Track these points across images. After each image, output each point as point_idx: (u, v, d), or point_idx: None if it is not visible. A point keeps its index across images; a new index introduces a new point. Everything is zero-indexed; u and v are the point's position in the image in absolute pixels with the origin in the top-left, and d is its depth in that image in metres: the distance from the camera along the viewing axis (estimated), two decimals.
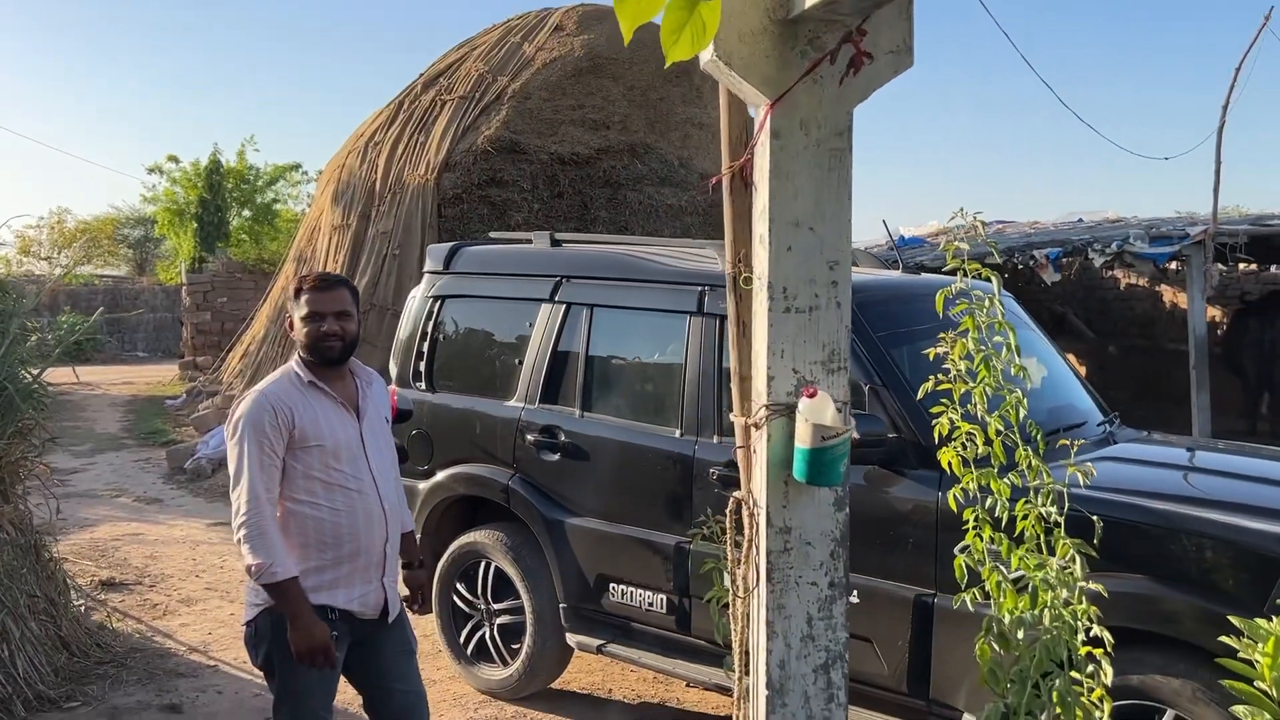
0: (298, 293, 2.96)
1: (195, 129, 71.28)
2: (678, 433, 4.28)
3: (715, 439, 4.17)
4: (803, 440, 2.04)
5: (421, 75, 13.31)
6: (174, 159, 26.68)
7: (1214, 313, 12.39)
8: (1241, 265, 11.38)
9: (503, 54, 12.68)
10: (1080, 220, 13.59)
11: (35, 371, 5.24)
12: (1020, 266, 10.00)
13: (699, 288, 4.33)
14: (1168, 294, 13.83)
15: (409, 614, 3.23)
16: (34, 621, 4.87)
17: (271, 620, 2.89)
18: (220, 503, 9.29)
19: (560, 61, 12.35)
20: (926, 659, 3.61)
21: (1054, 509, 2.57)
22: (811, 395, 2.03)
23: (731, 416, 2.44)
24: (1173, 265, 11.51)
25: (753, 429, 2.17)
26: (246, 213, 27.67)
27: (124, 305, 26.08)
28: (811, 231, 2.08)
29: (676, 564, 4.21)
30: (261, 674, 3.05)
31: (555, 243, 5.12)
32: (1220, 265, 10.14)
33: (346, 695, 3.30)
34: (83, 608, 5.65)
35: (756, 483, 2.18)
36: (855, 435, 2.14)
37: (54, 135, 76.27)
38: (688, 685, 4.79)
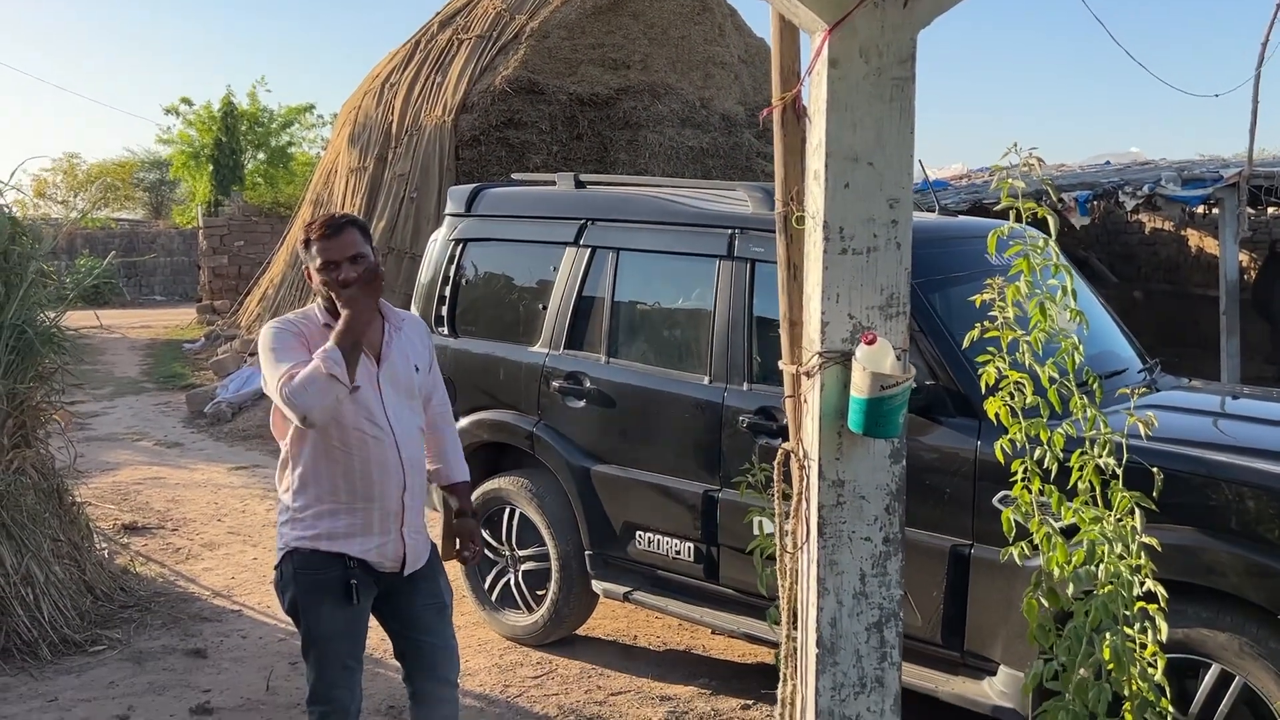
0: (307, 243, 2.84)
1: (206, 69, 70.77)
2: (706, 380, 4.19)
3: (745, 386, 4.08)
4: (859, 389, 1.94)
5: (438, 14, 13.07)
6: (188, 101, 26.52)
7: (1243, 257, 12.16)
8: (1271, 209, 11.14)
9: None
10: (1108, 163, 13.33)
11: (53, 315, 5.17)
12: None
13: (729, 230, 4.21)
14: (1194, 238, 13.59)
15: (447, 564, 3.16)
16: (58, 565, 4.86)
17: (294, 565, 2.84)
18: (240, 446, 9.30)
19: None
20: (962, 610, 3.55)
21: (1111, 460, 2.48)
22: (870, 342, 1.93)
23: (780, 364, 2.33)
24: (1200, 209, 11.28)
25: (804, 377, 2.07)
26: (261, 155, 27.53)
27: (141, 249, 26.03)
28: (871, 167, 1.95)
29: (704, 512, 4.14)
30: (282, 620, 3.00)
31: (579, 184, 5.00)
32: (1250, 209, 9.91)
33: (374, 637, 3.24)
34: (106, 552, 5.64)
35: (808, 433, 2.08)
36: (914, 384, 2.04)
37: (63, 76, 75.93)
38: (714, 633, 4.76)
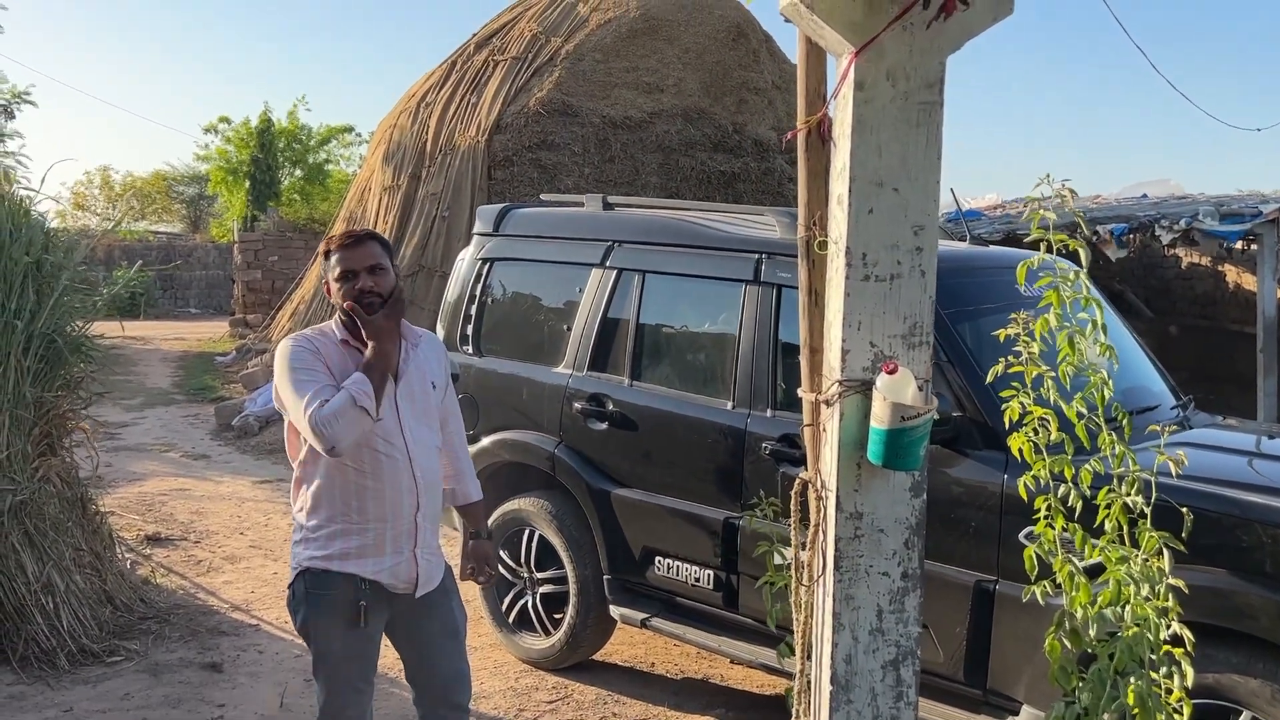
0: (328, 254, 2.85)
1: (247, 87, 71.81)
2: (730, 405, 4.15)
3: (769, 413, 4.03)
4: (880, 420, 1.89)
5: (474, 35, 13.17)
6: (226, 119, 26.89)
7: None
8: None
9: (556, 14, 12.49)
10: (1144, 196, 13.18)
11: (84, 325, 5.20)
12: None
13: (755, 255, 4.18)
14: (1231, 274, 13.39)
15: (463, 585, 3.14)
16: (79, 575, 4.87)
17: (306, 584, 2.82)
18: (266, 460, 9.33)
19: (615, 22, 12.14)
20: (985, 647, 3.47)
21: (1139, 498, 2.41)
22: (891, 371, 1.88)
23: (799, 392, 2.29)
24: (1238, 245, 11.12)
25: (823, 406, 2.02)
26: (298, 172, 27.83)
27: (178, 261, 26.36)
28: (896, 193, 1.91)
29: (725, 540, 4.09)
30: (299, 636, 2.98)
31: (608, 206, 4.99)
32: None
33: (390, 655, 3.21)
34: (128, 562, 5.66)
35: (826, 464, 2.04)
36: (936, 415, 1.99)
37: (105, 90, 77.29)
38: (732, 663, 4.69)
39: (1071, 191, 2.30)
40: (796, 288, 4.00)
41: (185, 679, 4.53)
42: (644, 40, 12.01)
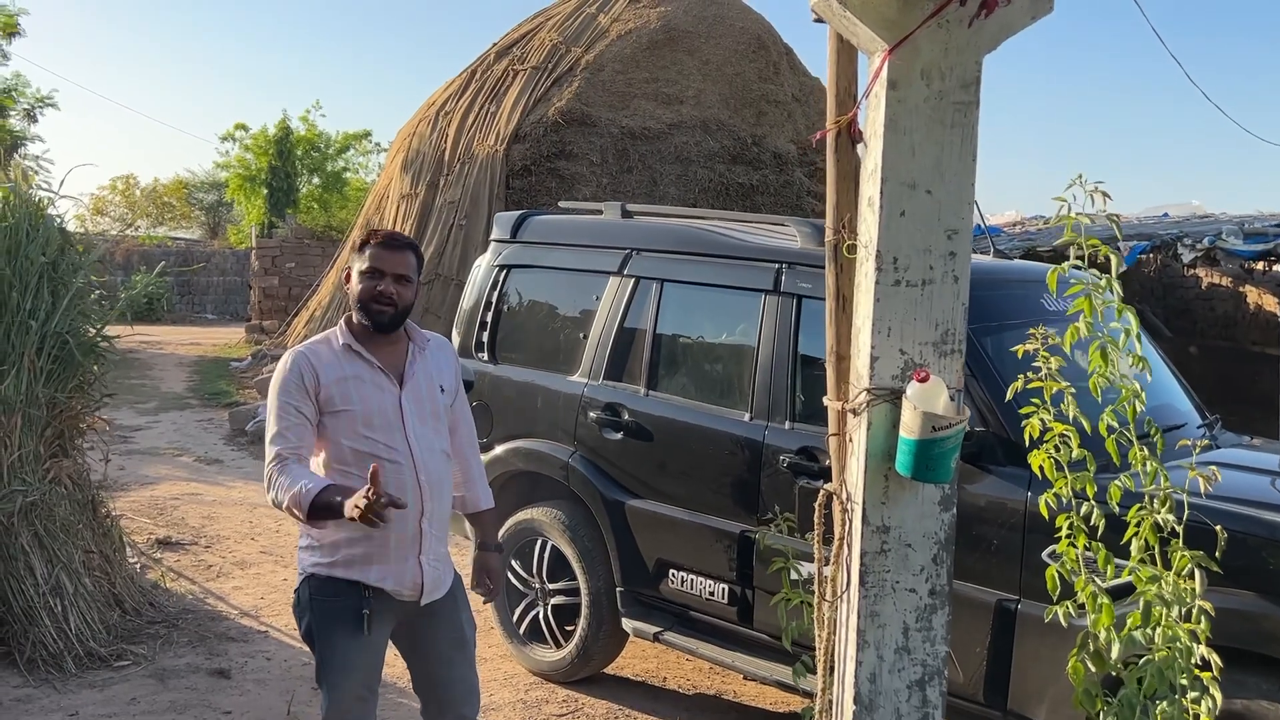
0: (363, 245, 2.83)
1: (266, 94, 72.28)
2: (747, 416, 4.08)
3: (787, 425, 3.96)
4: (910, 430, 1.83)
5: (494, 45, 13.19)
6: (243, 127, 27.06)
7: None
8: None
9: (577, 24, 12.50)
10: (1165, 215, 13.09)
11: (98, 327, 5.18)
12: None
13: (775, 265, 4.12)
14: (1252, 294, 13.26)
15: (469, 596, 3.08)
16: (88, 578, 4.83)
17: (310, 591, 2.78)
18: None
19: (635, 33, 12.14)
20: (1006, 668, 3.39)
21: (1171, 517, 2.33)
22: (923, 379, 1.82)
23: (825, 400, 2.23)
24: (1260, 265, 11.00)
25: (850, 415, 1.96)
26: (316, 180, 27.96)
27: (195, 266, 26.48)
28: (929, 195, 1.85)
29: (740, 553, 4.02)
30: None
31: (626, 214, 4.94)
32: None
33: (396, 668, 3.16)
34: (138, 566, 5.62)
35: (851, 475, 1.97)
36: (967, 426, 1.92)
37: (127, 95, 77.93)
38: (746, 679, 4.61)
39: (1105, 194, 2.23)
40: (817, 298, 3.99)
41: (192, 685, 4.48)
42: (664, 51, 12.00)
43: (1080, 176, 2.16)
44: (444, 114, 12.63)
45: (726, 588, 4.08)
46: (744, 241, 4.36)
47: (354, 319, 2.84)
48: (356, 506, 2.40)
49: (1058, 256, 9.55)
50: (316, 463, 2.77)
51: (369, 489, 2.38)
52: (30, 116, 17.76)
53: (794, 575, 3.77)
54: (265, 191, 25.80)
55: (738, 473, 4.08)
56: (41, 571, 4.61)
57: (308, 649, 4.80)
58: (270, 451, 2.69)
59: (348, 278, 2.85)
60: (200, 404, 12.63)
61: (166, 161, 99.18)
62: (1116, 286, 2.34)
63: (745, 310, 4.21)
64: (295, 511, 2.58)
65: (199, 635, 5.02)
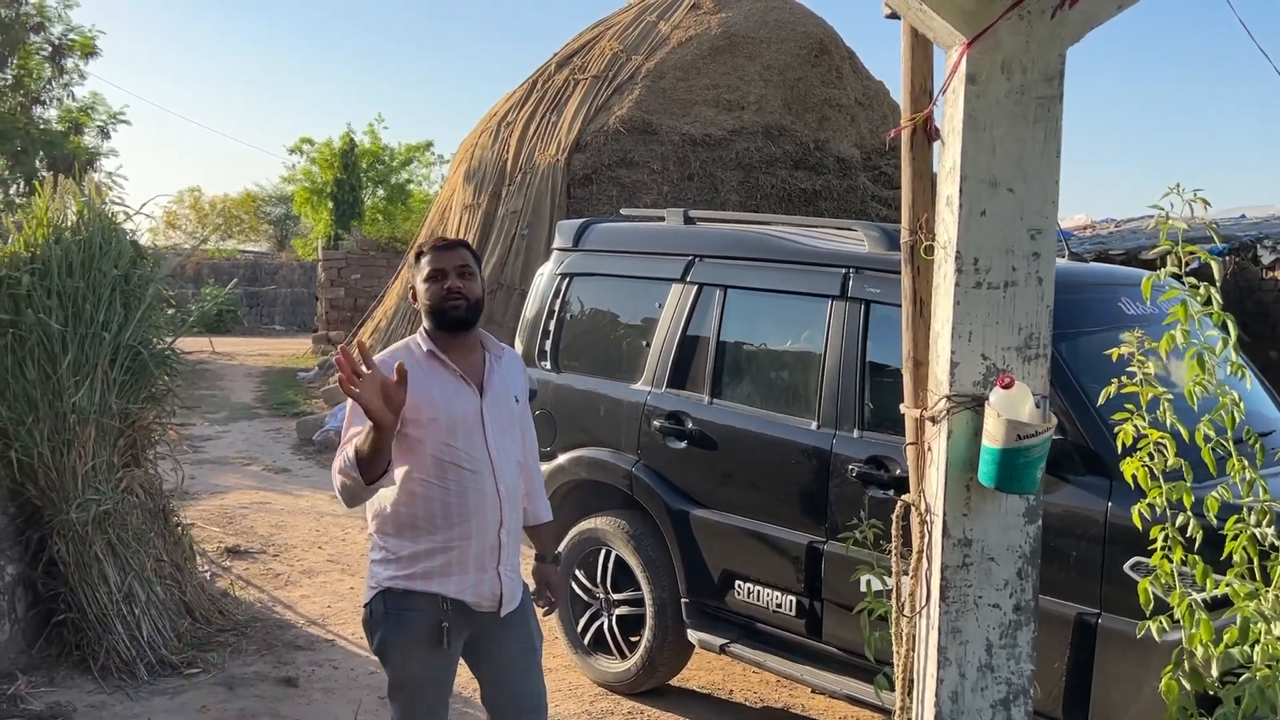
0: (419, 256, 2.83)
1: (330, 108, 73.61)
2: (814, 425, 4.00)
3: (855, 433, 3.88)
4: (993, 439, 1.75)
5: (555, 55, 13.24)
6: (309, 140, 27.57)
7: None
8: None
9: (638, 33, 12.50)
10: (1243, 216, 12.70)
11: (170, 339, 5.26)
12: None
13: (842, 270, 4.04)
14: None
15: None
16: (160, 586, 4.89)
17: (385, 605, 2.74)
18: None
19: (696, 40, 12.10)
20: (1086, 683, 3.27)
21: (1270, 530, 2.22)
22: (1007, 386, 1.73)
23: (901, 407, 2.15)
24: None
25: (928, 423, 1.88)
26: (380, 192, 28.37)
27: (263, 280, 27.04)
28: (1011, 193, 1.77)
29: (808, 565, 3.94)
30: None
31: (689, 220, 4.89)
32: None
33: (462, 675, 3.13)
34: (208, 574, 5.69)
35: (931, 485, 1.89)
36: (1054, 435, 1.83)
37: (197, 111, 79.92)
38: (814, 692, 4.52)
39: (1204, 201, 2.13)
40: (886, 303, 3.91)
41: (260, 693, 4.51)
42: (725, 58, 11.94)
43: (1178, 185, 2.07)
44: (506, 124, 12.70)
45: (794, 599, 4.00)
46: (810, 246, 4.28)
47: (431, 329, 2.82)
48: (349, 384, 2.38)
49: (1130, 260, 9.30)
50: (399, 473, 2.74)
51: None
52: (104, 133, 18.25)
53: (863, 588, 3.69)
54: (331, 204, 26.23)
55: (805, 482, 4.00)
56: (115, 579, 4.68)
57: (374, 658, 4.84)
58: (338, 457, 2.66)
59: (414, 295, 2.84)
60: (269, 414, 12.83)
61: (234, 176, 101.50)
62: (1217, 295, 2.23)
63: (811, 316, 4.13)
64: (353, 475, 2.53)
65: (267, 643, 5.07)
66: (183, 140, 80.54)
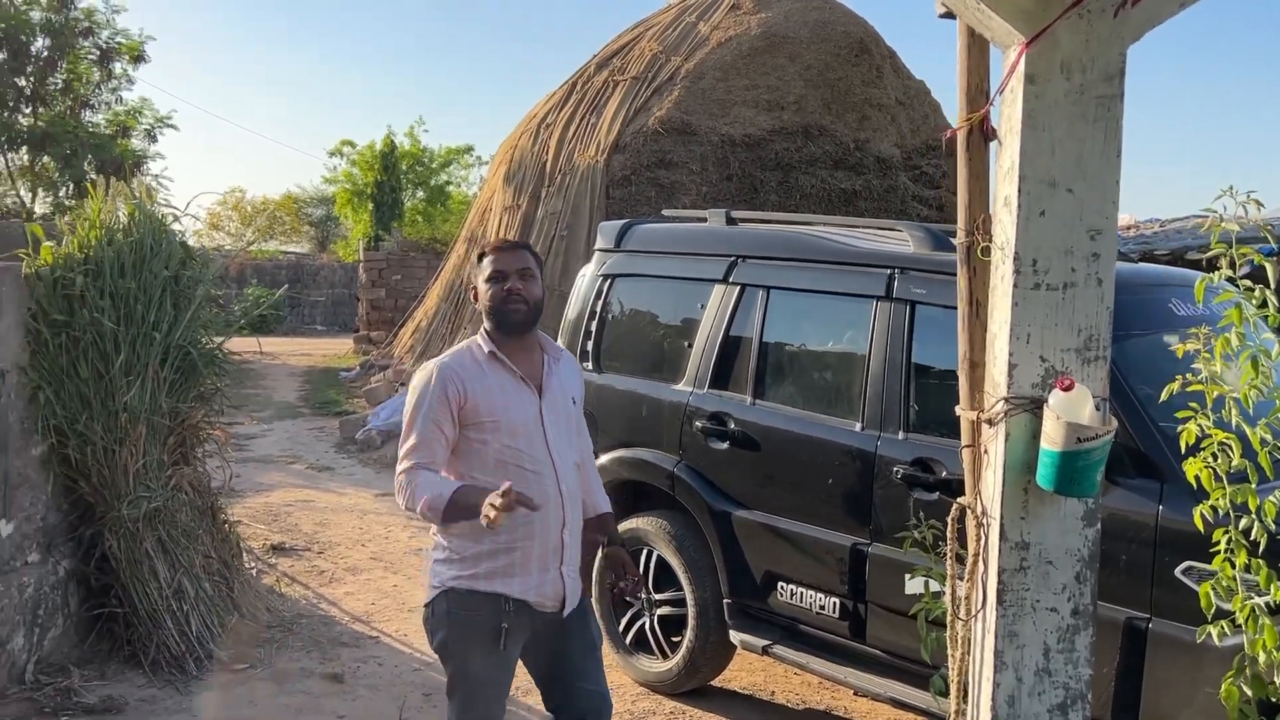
0: (480, 257, 2.86)
1: (371, 109, 74.26)
2: (858, 426, 3.98)
3: (900, 435, 3.85)
4: (1053, 441, 1.73)
5: (595, 56, 13.28)
6: (350, 143, 27.83)
7: None
8: None
9: (677, 33, 12.50)
10: None
11: (219, 339, 5.33)
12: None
13: (887, 270, 4.02)
14: None
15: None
16: (208, 582, 4.96)
17: (448, 604, 2.76)
18: (387, 474, 9.46)
19: (735, 41, 12.08)
20: (1136, 689, 3.23)
21: None
22: (1067, 388, 1.72)
23: (958, 409, 2.14)
24: None
25: (985, 425, 1.87)
26: (420, 194, 28.59)
27: (305, 280, 27.33)
28: (1070, 194, 1.76)
29: (852, 567, 3.92)
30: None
31: (731, 221, 4.89)
32: None
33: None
34: (254, 571, 5.76)
35: (988, 488, 1.88)
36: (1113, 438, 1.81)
37: (236, 114, 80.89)
38: (856, 694, 4.49)
39: (1258, 202, 2.10)
40: (931, 304, 3.88)
41: (307, 689, 4.56)
42: (764, 58, 11.91)
43: (1231, 188, 2.04)
44: (545, 126, 12.75)
45: (838, 601, 3.98)
46: (854, 247, 4.26)
47: (491, 330, 2.84)
48: (491, 506, 2.40)
49: (1175, 261, 9.14)
50: (460, 473, 2.77)
51: (503, 491, 2.38)
52: (151, 136, 18.53)
53: (916, 590, 3.67)
54: (371, 205, 26.46)
55: (849, 484, 3.98)
56: (165, 575, 4.75)
57: (419, 654, 4.89)
58: (405, 460, 2.71)
59: (474, 295, 2.86)
60: (311, 413, 12.97)
61: (276, 178, 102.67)
62: (1273, 298, 2.20)
63: (855, 317, 4.11)
64: (429, 514, 2.61)
65: (313, 640, 5.12)
66: (225, 143, 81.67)
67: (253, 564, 5.86)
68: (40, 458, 4.57)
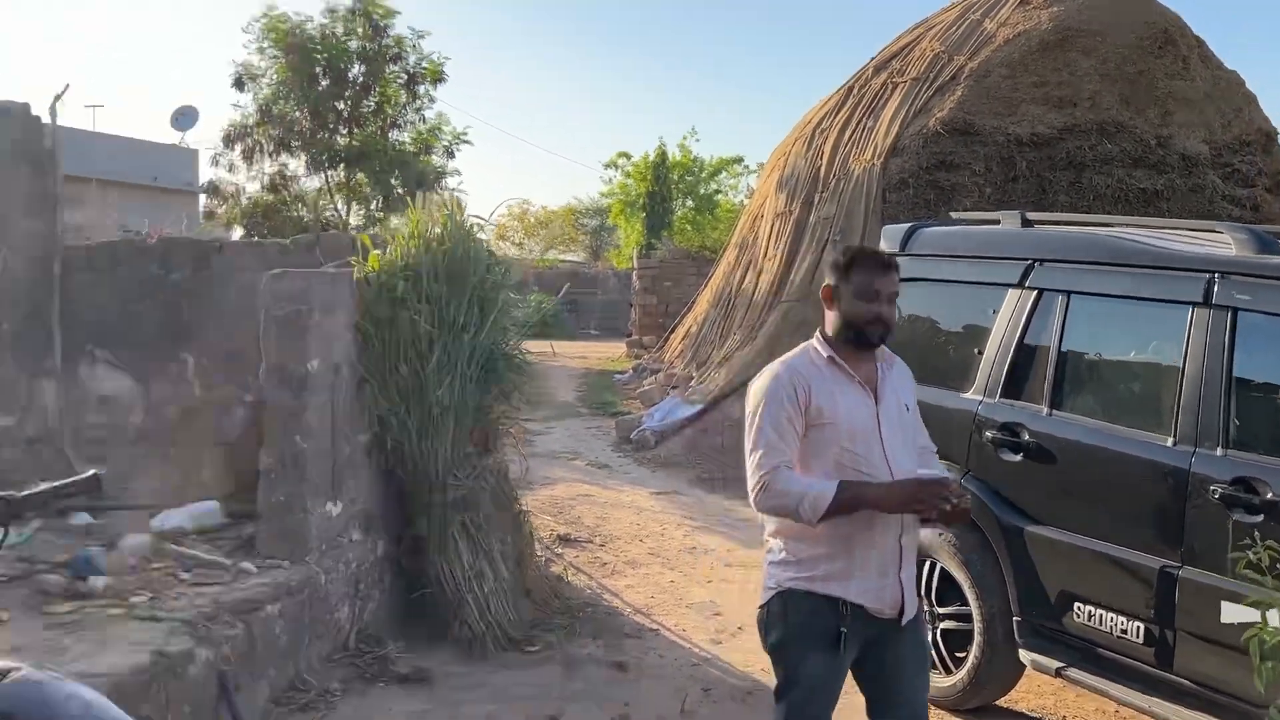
0: (850, 265, 2.83)
1: (646, 120, 76.45)
2: (1170, 441, 3.72)
3: (1219, 452, 3.57)
4: None
5: (873, 59, 13.09)
6: (625, 155, 28.83)
7: None
8: None
9: (961, 32, 12.10)
10: None
11: (516, 340, 5.69)
12: None
13: (1206, 274, 3.73)
14: None
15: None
16: (504, 567, 5.30)
17: (786, 605, 2.79)
18: (662, 473, 9.75)
19: (1024, 36, 11.55)
20: None
21: None
22: None
23: None
24: None
25: None
26: (689, 203, 29.19)
27: (581, 287, 28.54)
28: None
29: (1160, 590, 3.67)
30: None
31: (1026, 223, 4.69)
32: None
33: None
34: (543, 559, 6.10)
35: None
36: None
37: (521, 130, 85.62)
38: None
39: None
40: (1257, 311, 3.57)
41: (594, 675, 4.78)
42: (1055, 53, 11.30)
43: None
44: (819, 131, 12.69)
45: (1142, 626, 3.74)
46: (1167, 250, 3.99)
47: (834, 335, 2.86)
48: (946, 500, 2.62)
49: None
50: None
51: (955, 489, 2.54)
52: (449, 153, 19.94)
53: (1225, 618, 3.39)
54: (643, 215, 27.29)
55: (1158, 502, 3.74)
56: (467, 559, 5.12)
57: (697, 649, 5.01)
58: (764, 462, 2.72)
59: (828, 295, 2.87)
60: (589, 412, 13.55)
61: (556, 190, 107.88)
62: None
63: (1168, 325, 3.85)
64: (806, 513, 2.65)
65: (598, 629, 5.36)
66: (510, 157, 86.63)
67: (542, 552, 6.20)
68: (365, 445, 5.05)
